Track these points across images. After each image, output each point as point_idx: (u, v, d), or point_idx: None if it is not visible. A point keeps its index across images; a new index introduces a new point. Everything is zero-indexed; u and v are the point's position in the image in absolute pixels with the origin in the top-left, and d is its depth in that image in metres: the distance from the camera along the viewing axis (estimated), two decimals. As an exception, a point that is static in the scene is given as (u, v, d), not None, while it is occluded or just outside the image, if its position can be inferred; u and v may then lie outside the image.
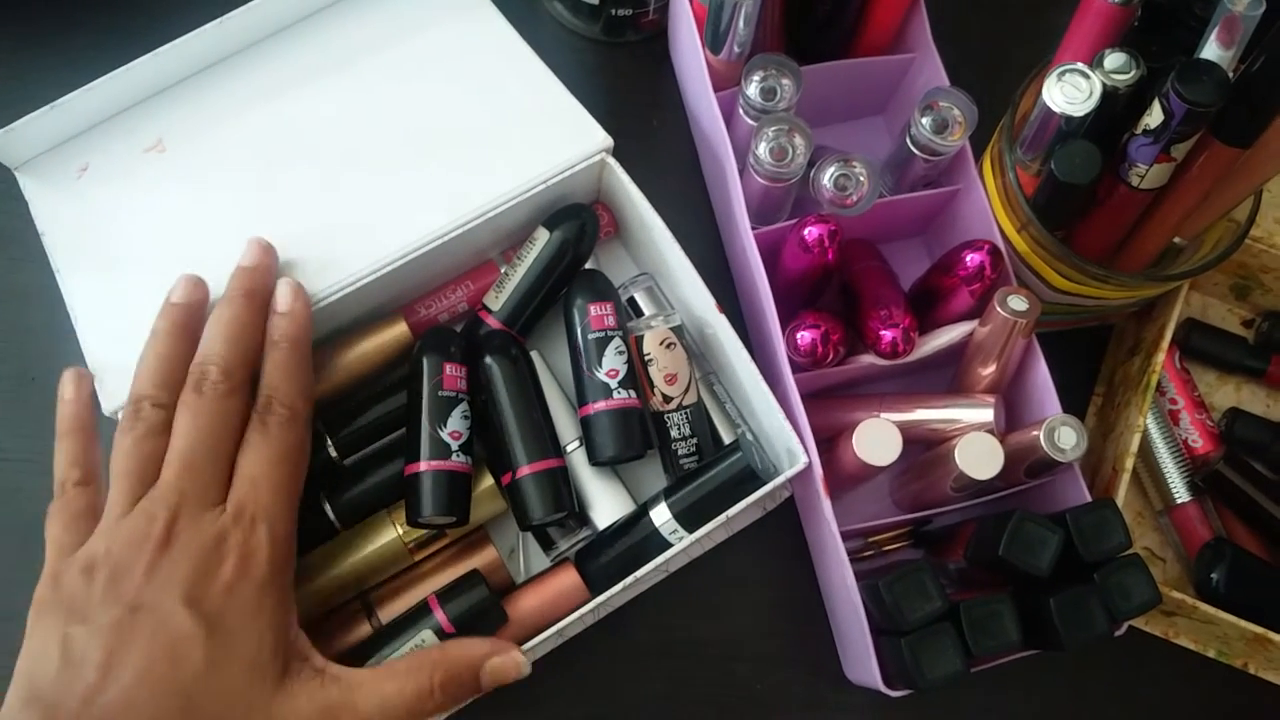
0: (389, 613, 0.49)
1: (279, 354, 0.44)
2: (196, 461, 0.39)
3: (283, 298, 0.46)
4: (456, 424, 0.49)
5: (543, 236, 0.53)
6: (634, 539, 0.50)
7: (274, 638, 0.37)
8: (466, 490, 0.49)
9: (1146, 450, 0.58)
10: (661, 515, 0.49)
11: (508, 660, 0.41)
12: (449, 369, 0.50)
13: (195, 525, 0.37)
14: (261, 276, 0.46)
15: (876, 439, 0.48)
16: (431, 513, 0.47)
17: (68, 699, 0.33)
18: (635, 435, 0.51)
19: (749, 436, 0.54)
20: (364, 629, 0.49)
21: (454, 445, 0.49)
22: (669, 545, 0.49)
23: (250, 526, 0.38)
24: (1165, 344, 0.54)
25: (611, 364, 0.51)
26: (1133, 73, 0.45)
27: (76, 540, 0.39)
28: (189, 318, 0.45)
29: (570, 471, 0.53)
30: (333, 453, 0.52)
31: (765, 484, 0.48)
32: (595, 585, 0.50)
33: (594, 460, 0.52)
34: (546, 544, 0.53)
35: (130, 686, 0.33)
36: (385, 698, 0.37)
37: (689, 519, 0.49)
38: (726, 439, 0.54)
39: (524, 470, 0.50)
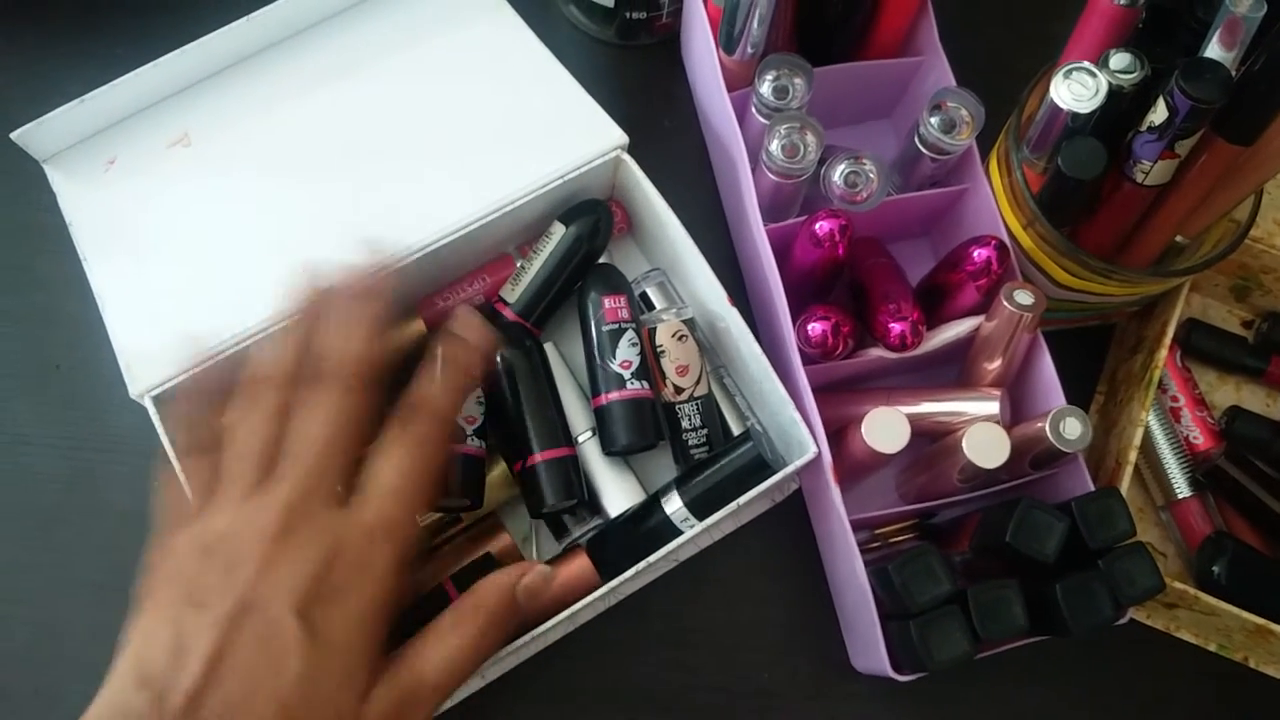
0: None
1: (446, 370, 0.41)
2: (321, 455, 0.37)
3: (472, 329, 0.43)
4: (471, 409, 0.50)
5: (558, 231, 0.54)
6: (645, 526, 0.51)
7: (371, 652, 0.36)
8: (480, 474, 0.50)
9: (1148, 446, 0.58)
10: (673, 503, 0.50)
11: (535, 578, 0.40)
12: None
13: (313, 523, 0.36)
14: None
15: (886, 427, 0.49)
16: (446, 495, 0.48)
17: (174, 692, 0.33)
18: (648, 425, 0.52)
19: (758, 428, 0.55)
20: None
21: (468, 429, 0.50)
22: (679, 533, 0.50)
23: (372, 539, 0.36)
24: (1167, 340, 0.55)
25: (625, 355, 0.52)
26: (1137, 72, 0.47)
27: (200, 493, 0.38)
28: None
29: (582, 461, 0.54)
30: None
31: (775, 473, 0.49)
32: (606, 571, 0.50)
33: (607, 450, 0.53)
34: (559, 531, 0.54)
35: (232, 690, 0.33)
36: (448, 658, 0.37)
37: (700, 507, 0.50)
38: (736, 431, 0.55)
39: (535, 458, 0.51)
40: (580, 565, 0.51)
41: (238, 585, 0.35)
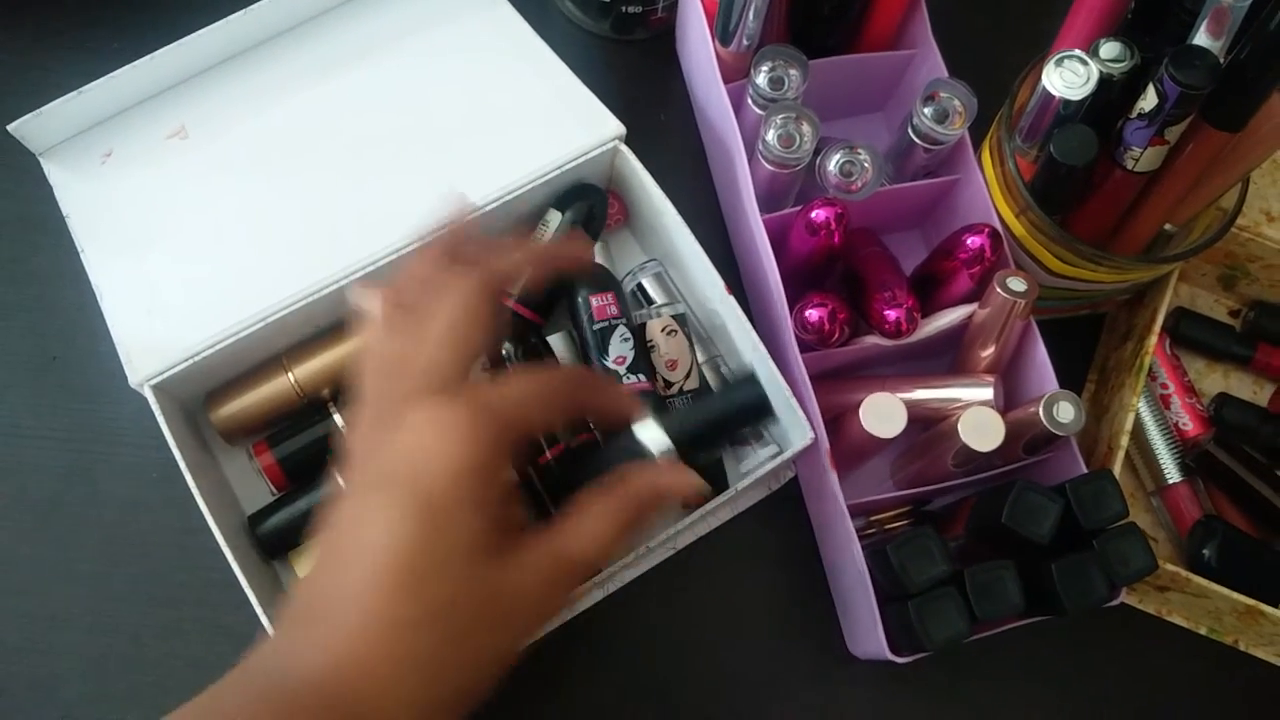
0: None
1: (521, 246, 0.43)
2: (444, 334, 0.38)
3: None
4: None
5: (555, 218, 0.55)
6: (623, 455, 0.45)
7: (491, 521, 0.36)
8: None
9: (1139, 432, 0.59)
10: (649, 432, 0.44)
11: (681, 479, 0.40)
12: None
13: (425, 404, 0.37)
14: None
15: (883, 411, 0.49)
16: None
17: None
18: (647, 415, 0.52)
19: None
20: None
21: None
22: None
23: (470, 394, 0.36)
24: (1157, 327, 0.56)
25: (618, 351, 0.53)
26: (1127, 61, 0.47)
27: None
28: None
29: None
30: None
31: (774, 419, 0.50)
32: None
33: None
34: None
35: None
36: (596, 535, 0.38)
37: (687, 442, 0.44)
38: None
39: (549, 455, 0.51)
40: None
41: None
